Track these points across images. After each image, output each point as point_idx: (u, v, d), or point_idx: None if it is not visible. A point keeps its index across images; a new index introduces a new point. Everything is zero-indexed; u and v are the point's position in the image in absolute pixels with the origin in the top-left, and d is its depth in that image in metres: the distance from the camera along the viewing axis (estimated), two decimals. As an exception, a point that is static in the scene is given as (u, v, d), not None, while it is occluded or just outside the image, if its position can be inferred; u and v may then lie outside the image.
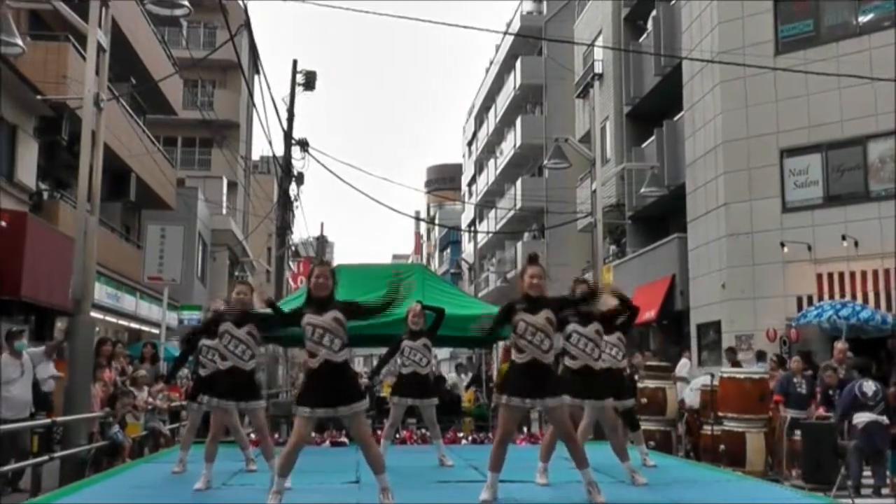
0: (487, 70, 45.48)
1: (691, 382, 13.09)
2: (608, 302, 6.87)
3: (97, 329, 15.33)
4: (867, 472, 9.87)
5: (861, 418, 9.71)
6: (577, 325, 6.36)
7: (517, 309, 5.55)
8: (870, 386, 9.88)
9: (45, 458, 8.21)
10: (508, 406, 5.52)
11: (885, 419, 9.72)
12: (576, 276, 8.06)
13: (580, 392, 6.28)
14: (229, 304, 6.72)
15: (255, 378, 6.45)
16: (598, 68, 27.90)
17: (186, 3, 9.53)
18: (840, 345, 12.18)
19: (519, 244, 36.22)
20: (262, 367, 6.43)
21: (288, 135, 21.37)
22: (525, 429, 11.37)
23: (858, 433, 9.58)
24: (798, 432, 10.59)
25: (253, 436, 7.70)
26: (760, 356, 15.17)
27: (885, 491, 9.67)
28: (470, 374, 18.70)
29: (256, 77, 24.89)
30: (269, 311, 6.08)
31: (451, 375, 16.43)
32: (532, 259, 5.81)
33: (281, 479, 5.28)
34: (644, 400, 11.26)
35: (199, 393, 6.86)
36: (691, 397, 12.41)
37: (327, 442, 9.85)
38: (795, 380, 11.37)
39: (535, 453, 6.65)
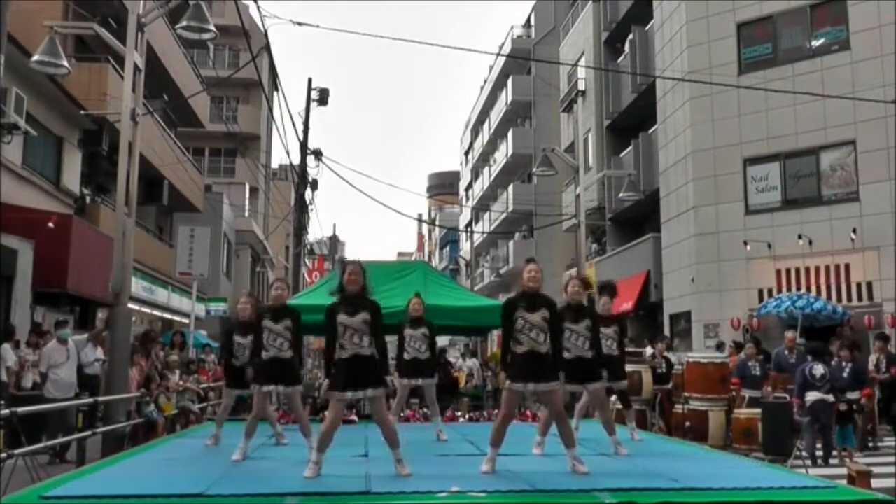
0: (482, 87, 45.44)
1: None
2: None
3: (133, 319, 15.34)
4: (819, 444, 9.98)
5: (810, 397, 9.88)
6: (569, 323, 6.33)
7: (518, 306, 5.57)
8: (818, 368, 10.00)
9: (89, 432, 8.21)
10: (511, 390, 5.57)
11: (830, 397, 9.88)
12: (572, 276, 8.11)
13: (577, 379, 6.32)
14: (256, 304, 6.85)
15: (293, 365, 6.45)
16: (581, 86, 27.89)
17: (213, 28, 9.51)
18: (789, 334, 12.30)
19: (510, 243, 36.26)
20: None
21: (304, 145, 21.37)
22: (517, 409, 11.37)
23: (807, 410, 9.73)
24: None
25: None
26: (719, 347, 15.18)
27: (833, 461, 9.75)
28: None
29: (275, 94, 24.92)
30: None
31: (471, 361, 16.56)
32: (529, 260, 5.89)
33: (319, 454, 5.38)
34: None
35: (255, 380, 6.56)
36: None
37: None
38: (750, 363, 11.46)
39: (527, 430, 6.66)
